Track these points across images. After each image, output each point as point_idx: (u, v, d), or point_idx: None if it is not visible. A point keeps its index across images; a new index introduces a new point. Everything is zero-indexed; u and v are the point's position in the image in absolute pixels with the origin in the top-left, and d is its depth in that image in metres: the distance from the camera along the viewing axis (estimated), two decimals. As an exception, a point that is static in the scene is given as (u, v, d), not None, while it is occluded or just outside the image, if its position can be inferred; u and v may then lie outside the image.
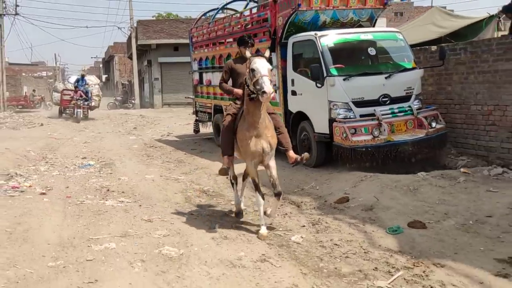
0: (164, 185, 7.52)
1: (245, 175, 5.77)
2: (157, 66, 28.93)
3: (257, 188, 5.12)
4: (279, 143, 5.26)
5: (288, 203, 6.17)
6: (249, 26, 9.24)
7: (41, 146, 11.82)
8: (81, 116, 19.73)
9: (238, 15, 10.28)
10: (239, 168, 5.85)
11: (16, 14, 28.40)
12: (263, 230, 4.91)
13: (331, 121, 7.23)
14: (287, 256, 4.34)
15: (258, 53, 5.25)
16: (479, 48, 7.42)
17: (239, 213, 5.67)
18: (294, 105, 8.11)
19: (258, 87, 4.62)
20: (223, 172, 5.38)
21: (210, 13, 13.08)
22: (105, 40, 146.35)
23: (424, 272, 3.84)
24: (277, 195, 5.06)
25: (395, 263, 4.05)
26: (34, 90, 39.40)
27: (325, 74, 7.19)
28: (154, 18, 40.69)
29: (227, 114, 5.44)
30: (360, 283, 3.74)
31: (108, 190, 7.05)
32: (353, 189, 6.22)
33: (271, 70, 4.97)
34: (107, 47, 55.96)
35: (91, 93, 21.23)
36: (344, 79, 7.17)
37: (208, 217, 5.64)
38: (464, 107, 7.77)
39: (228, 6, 12.92)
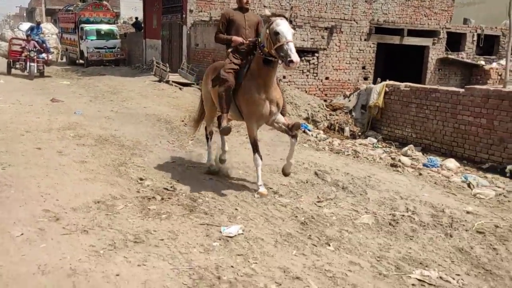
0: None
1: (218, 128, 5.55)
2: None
3: (257, 149, 5.04)
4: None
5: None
6: (72, 18, 25.85)
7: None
8: (35, 71, 16.49)
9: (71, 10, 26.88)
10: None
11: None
12: (262, 189, 5.03)
13: (87, 52, 24.09)
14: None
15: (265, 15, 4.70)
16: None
17: (212, 168, 5.80)
18: (81, 47, 24.87)
19: (282, 54, 4.31)
20: (226, 131, 5.13)
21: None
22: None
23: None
24: (294, 136, 5.01)
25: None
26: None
27: (84, 37, 24.08)
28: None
29: (226, 72, 4.92)
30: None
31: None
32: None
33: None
34: (30, -1, 67.39)
35: (48, 44, 17.89)
36: (91, 40, 24.10)
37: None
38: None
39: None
